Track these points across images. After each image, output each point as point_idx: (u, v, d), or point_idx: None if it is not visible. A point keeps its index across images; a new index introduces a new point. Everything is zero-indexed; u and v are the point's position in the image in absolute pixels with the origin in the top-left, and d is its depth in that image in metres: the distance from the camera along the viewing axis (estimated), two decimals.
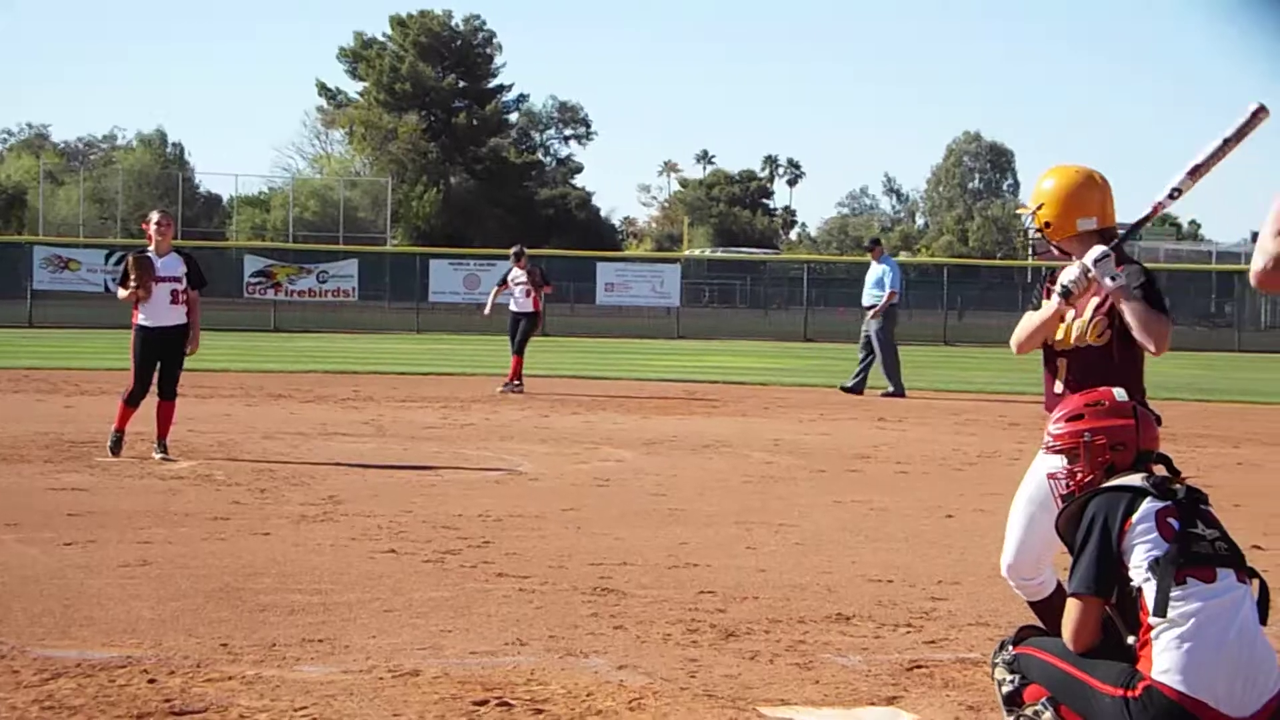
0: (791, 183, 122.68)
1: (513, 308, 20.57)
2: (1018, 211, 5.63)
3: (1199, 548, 4.24)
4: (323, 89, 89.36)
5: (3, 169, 79.89)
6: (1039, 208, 5.41)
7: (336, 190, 72.62)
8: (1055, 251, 5.41)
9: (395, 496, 10.04)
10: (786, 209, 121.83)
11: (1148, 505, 4.33)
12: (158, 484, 10.46)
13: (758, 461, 12.63)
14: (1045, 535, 5.10)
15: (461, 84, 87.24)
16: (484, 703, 5.17)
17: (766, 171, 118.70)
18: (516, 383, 19.67)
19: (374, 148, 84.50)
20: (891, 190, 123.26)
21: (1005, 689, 4.62)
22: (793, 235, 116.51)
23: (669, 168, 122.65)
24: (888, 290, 20.37)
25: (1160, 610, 4.20)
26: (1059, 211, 5.39)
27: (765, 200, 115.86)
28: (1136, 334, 5.17)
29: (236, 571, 7.36)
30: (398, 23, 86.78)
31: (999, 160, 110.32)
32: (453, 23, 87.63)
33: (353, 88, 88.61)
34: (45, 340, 31.27)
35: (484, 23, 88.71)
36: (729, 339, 41.35)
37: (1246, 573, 4.30)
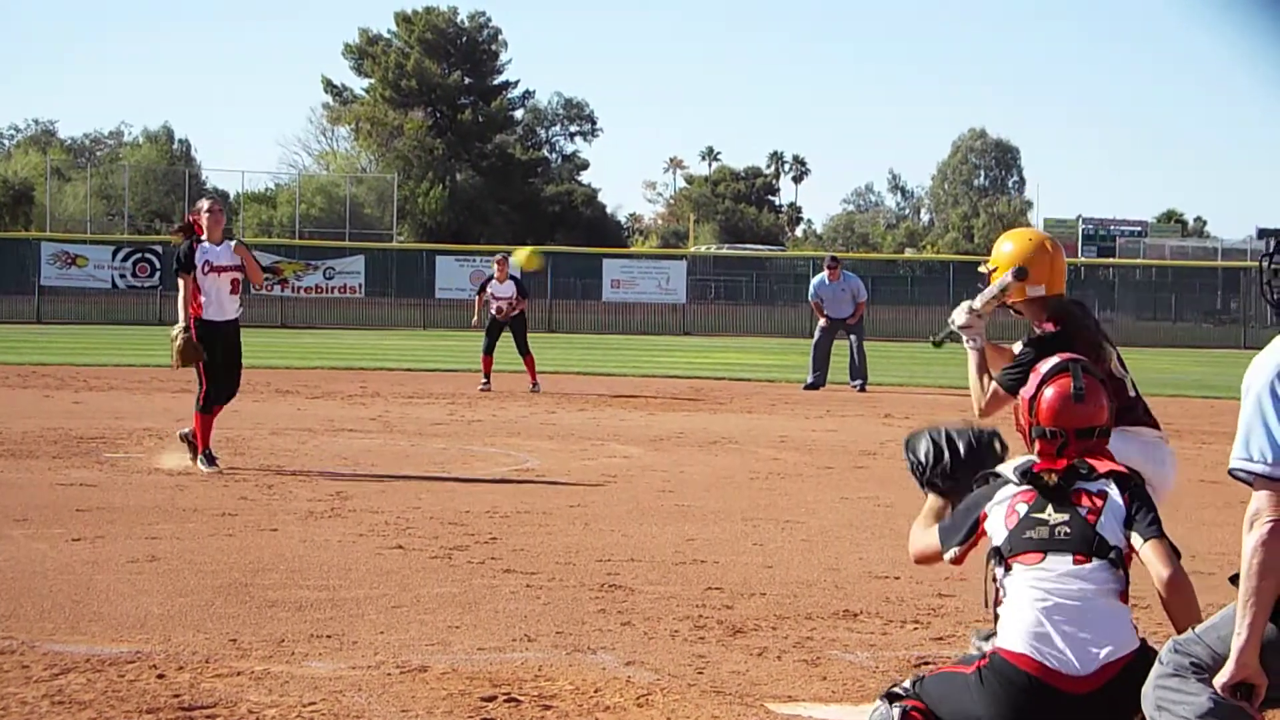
0: (797, 179, 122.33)
1: (496, 315, 19.56)
2: (980, 269, 6.12)
3: (1033, 533, 4.41)
4: (328, 85, 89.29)
5: (10, 165, 79.80)
6: (994, 270, 6.00)
7: (343, 187, 72.56)
8: (1013, 312, 6.03)
9: (402, 493, 10.05)
10: (792, 205, 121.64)
11: (1003, 492, 4.58)
12: (165, 480, 10.48)
13: (765, 458, 12.63)
14: None
15: (467, 80, 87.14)
16: (492, 698, 5.18)
17: (772, 168, 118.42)
18: (534, 384, 19.38)
19: (380, 144, 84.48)
20: (897, 187, 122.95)
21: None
22: (798, 232, 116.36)
23: (674, 164, 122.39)
24: (861, 300, 22.05)
25: (985, 601, 4.59)
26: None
27: (771, 197, 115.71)
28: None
29: (244, 567, 7.38)
30: (403, 19, 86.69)
31: (1005, 157, 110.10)
32: (458, 19, 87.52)
33: (358, 84, 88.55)
34: (53, 336, 31.33)
35: (489, 19, 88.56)
36: (735, 335, 41.36)
37: (1103, 554, 4.34)
